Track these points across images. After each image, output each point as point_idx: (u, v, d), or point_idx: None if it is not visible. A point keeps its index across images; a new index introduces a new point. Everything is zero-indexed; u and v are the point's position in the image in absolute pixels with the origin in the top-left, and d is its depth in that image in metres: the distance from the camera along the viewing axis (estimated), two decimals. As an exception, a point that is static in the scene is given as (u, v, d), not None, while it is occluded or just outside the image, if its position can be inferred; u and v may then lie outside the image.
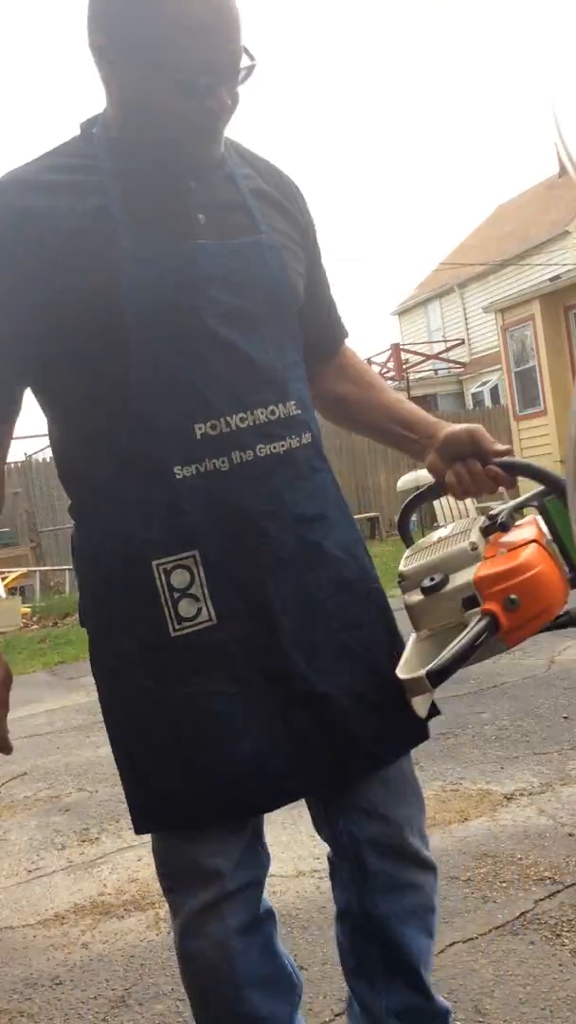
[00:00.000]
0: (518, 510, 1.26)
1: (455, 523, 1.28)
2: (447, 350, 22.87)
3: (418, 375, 21.21)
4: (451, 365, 22.42)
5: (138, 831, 1.23)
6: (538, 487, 1.26)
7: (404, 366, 21.26)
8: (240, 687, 1.16)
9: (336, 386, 1.39)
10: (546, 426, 10.89)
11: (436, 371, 22.48)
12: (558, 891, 2.15)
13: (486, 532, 1.21)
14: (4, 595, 9.73)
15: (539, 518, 1.24)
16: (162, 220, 1.15)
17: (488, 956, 1.91)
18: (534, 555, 1.12)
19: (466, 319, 22.74)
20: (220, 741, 1.16)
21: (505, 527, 1.20)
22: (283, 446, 1.18)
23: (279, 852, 2.46)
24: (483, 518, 1.24)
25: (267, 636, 1.17)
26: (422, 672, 1.09)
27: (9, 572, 10.53)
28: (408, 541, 1.38)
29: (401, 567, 1.26)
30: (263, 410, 1.17)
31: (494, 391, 19.05)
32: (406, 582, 1.24)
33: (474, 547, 1.18)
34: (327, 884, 2.34)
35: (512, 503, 1.27)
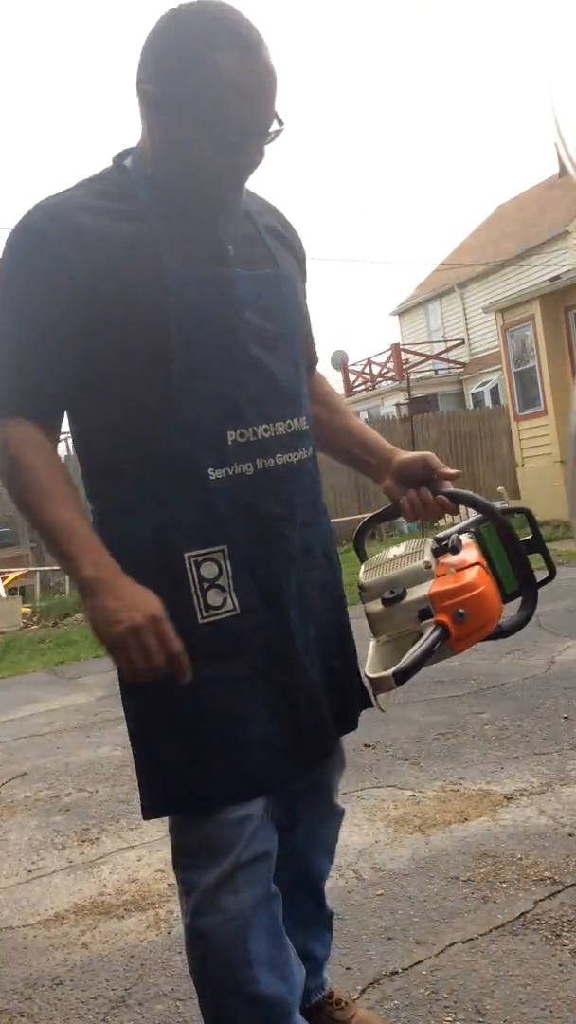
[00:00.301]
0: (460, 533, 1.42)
1: (407, 543, 1.42)
2: (447, 350, 22.86)
3: (418, 375, 21.20)
4: (451, 365, 22.40)
5: (147, 816, 1.33)
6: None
7: (404, 366, 21.26)
8: (254, 673, 1.28)
9: (310, 407, 1.48)
10: (546, 426, 10.85)
11: (436, 371, 22.45)
12: (558, 891, 2.15)
13: (436, 553, 1.36)
14: (4, 595, 9.73)
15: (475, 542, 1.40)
16: (200, 248, 1.28)
17: (488, 956, 1.91)
18: (478, 576, 1.30)
19: (466, 319, 22.74)
20: (237, 723, 1.27)
21: (456, 550, 1.34)
22: (296, 456, 1.33)
23: (279, 852, 2.46)
24: (432, 540, 1.38)
25: (279, 627, 1.31)
26: (389, 672, 1.23)
27: (9, 572, 10.52)
28: (362, 556, 1.51)
29: (361, 579, 1.39)
30: (283, 423, 1.32)
31: (494, 391, 19.04)
32: (366, 593, 1.37)
33: (428, 566, 1.33)
34: (327, 884, 2.34)
35: (457, 527, 1.43)
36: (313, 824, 1.53)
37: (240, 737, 1.27)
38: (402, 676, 1.22)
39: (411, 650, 1.24)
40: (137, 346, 1.23)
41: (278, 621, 1.30)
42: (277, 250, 1.38)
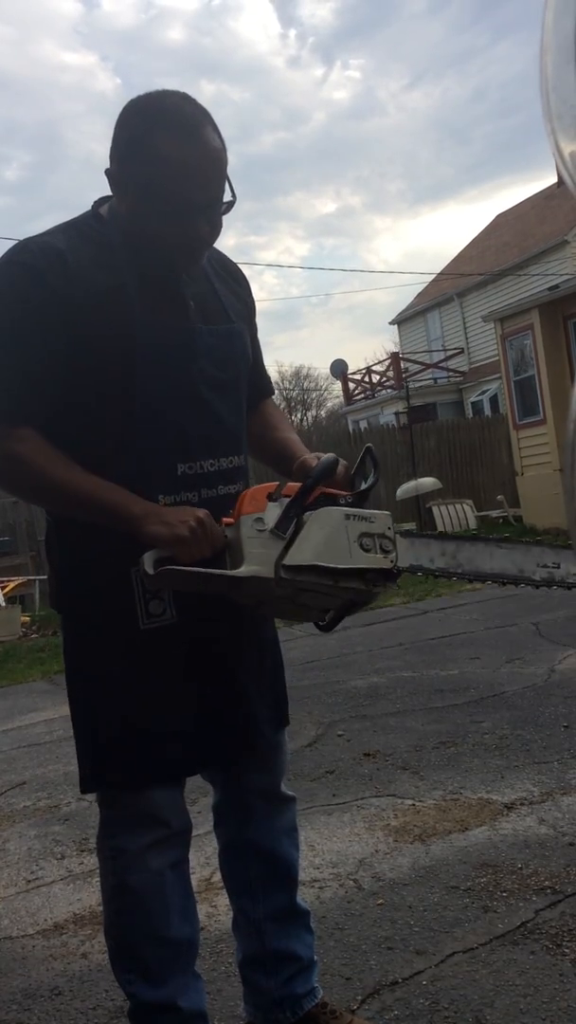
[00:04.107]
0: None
1: None
2: (446, 359, 22.91)
3: (417, 384, 21.23)
4: (451, 374, 22.45)
5: (86, 789, 1.52)
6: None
7: (403, 375, 21.29)
8: (186, 673, 1.47)
9: (253, 429, 1.69)
10: (545, 435, 10.86)
11: (436, 380, 22.50)
12: (559, 901, 2.14)
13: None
14: (3, 604, 9.71)
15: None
16: (166, 303, 1.44)
17: (489, 966, 1.91)
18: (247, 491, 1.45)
19: (465, 328, 22.79)
20: (171, 713, 1.46)
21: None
22: (235, 488, 1.51)
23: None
24: None
25: (211, 635, 1.50)
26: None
27: (9, 581, 10.50)
28: None
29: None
30: (226, 459, 1.51)
31: (493, 400, 19.07)
32: None
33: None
34: (327, 894, 2.34)
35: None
36: (266, 811, 1.66)
37: (170, 725, 1.46)
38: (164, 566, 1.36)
39: None
40: (105, 381, 1.39)
41: (210, 630, 1.49)
42: (230, 304, 1.56)
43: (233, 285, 1.61)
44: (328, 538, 1.39)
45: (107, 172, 1.41)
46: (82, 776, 1.52)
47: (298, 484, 1.43)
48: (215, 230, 1.43)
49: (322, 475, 1.43)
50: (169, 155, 1.34)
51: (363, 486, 1.51)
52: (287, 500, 1.41)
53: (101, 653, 1.47)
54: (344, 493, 1.48)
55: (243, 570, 1.36)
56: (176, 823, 1.52)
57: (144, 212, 1.38)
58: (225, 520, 1.41)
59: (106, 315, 1.37)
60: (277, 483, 1.44)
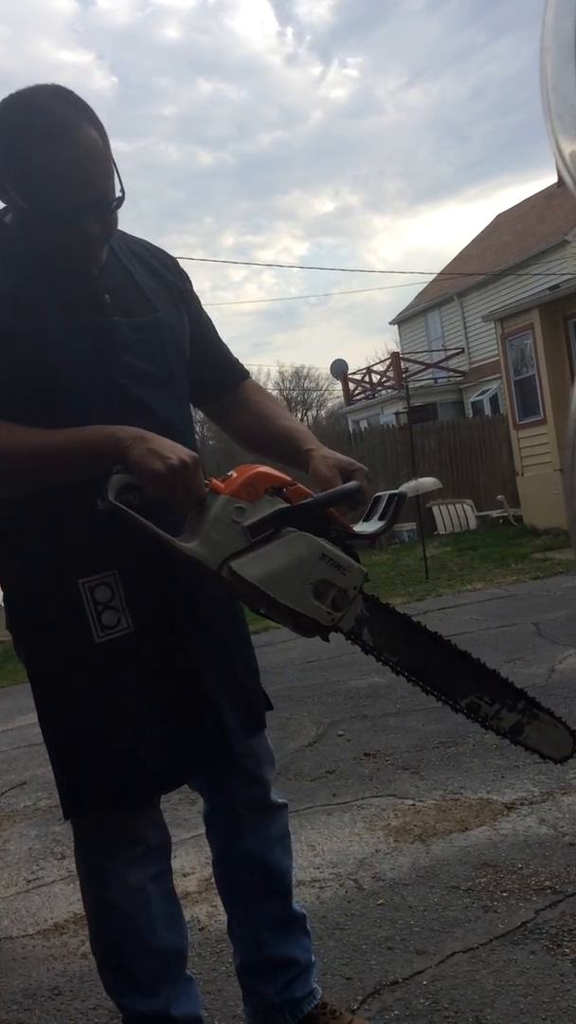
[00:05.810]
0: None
1: None
2: (447, 359, 22.92)
3: (418, 384, 21.24)
4: (451, 374, 22.46)
5: (67, 815, 1.46)
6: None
7: (404, 375, 21.30)
8: (151, 682, 1.41)
9: (240, 420, 1.65)
10: (545, 435, 10.86)
11: (436, 380, 22.51)
12: (559, 901, 2.14)
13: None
14: (3, 604, 9.72)
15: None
16: (78, 300, 1.38)
17: (489, 966, 1.91)
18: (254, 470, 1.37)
19: (466, 328, 22.80)
20: (138, 729, 1.40)
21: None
22: None
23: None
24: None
25: (172, 640, 1.43)
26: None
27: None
28: None
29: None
30: None
31: (494, 400, 19.08)
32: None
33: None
34: (327, 894, 2.34)
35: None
36: (256, 821, 1.62)
37: (141, 740, 1.40)
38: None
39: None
40: (23, 389, 1.33)
41: (171, 635, 1.42)
42: (155, 294, 1.48)
43: (160, 271, 1.53)
44: (287, 569, 1.31)
45: None
46: (61, 799, 1.46)
47: (305, 491, 1.35)
48: (108, 227, 1.36)
49: (329, 503, 1.36)
50: (40, 164, 1.26)
51: (367, 530, 1.41)
52: (281, 506, 1.33)
53: (60, 671, 1.41)
54: (341, 523, 1.38)
55: (191, 547, 1.29)
56: (154, 838, 1.49)
57: (29, 218, 1.33)
58: (214, 482, 1.33)
59: (12, 317, 1.32)
60: (288, 480, 1.36)
